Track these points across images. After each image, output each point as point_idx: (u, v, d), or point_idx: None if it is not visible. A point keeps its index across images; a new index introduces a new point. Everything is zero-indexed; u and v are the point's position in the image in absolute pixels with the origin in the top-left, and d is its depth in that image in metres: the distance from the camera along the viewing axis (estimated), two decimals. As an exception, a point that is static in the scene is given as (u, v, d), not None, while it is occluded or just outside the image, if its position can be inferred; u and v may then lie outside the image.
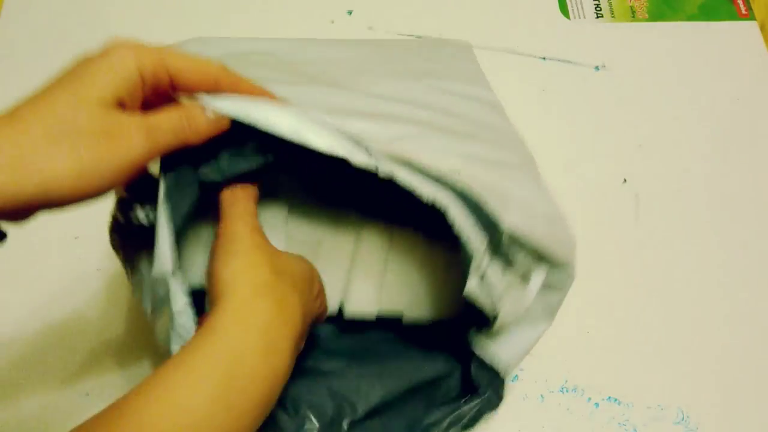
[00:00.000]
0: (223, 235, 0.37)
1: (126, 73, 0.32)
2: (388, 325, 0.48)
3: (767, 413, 0.54)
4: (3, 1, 0.72)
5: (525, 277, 0.42)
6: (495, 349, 0.44)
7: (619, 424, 0.53)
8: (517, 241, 0.40)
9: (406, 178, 0.37)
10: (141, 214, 0.39)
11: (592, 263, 0.60)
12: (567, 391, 0.55)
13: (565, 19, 0.74)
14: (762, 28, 0.74)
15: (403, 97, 0.46)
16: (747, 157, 0.66)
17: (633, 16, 0.75)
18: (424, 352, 0.48)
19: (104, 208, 0.61)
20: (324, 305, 0.42)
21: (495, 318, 0.41)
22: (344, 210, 0.48)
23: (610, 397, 0.54)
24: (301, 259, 0.41)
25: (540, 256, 0.41)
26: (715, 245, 0.62)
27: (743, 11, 0.75)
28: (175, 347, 0.36)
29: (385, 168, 0.37)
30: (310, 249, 0.46)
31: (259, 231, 0.38)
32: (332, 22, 0.73)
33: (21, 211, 0.31)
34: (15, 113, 0.30)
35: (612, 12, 0.75)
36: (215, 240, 0.37)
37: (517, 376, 0.55)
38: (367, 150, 0.37)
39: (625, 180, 0.65)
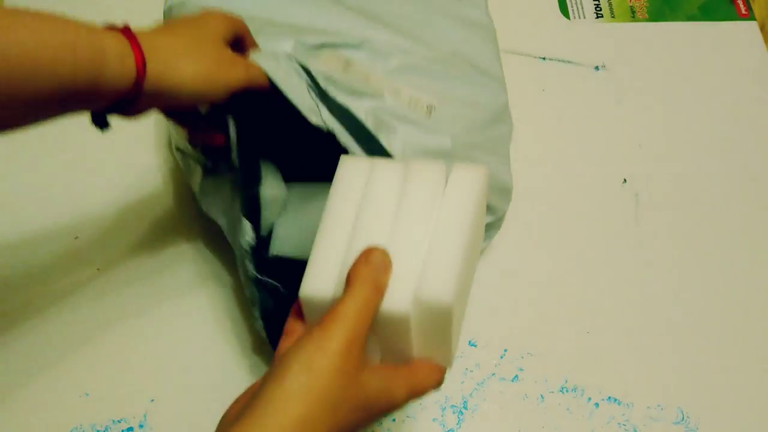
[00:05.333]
0: (325, 323, 0.34)
1: (228, 24, 0.46)
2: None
3: (767, 413, 0.54)
4: (2, 1, 0.73)
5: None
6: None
7: (619, 424, 0.53)
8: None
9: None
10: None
11: (592, 263, 0.60)
12: (567, 391, 0.55)
13: (565, 19, 0.74)
14: (762, 28, 0.74)
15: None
16: (747, 156, 0.66)
17: (633, 16, 0.75)
18: None
19: (104, 208, 0.61)
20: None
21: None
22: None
23: (610, 397, 0.54)
24: (390, 383, 0.36)
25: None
26: (715, 245, 0.62)
27: (743, 11, 0.75)
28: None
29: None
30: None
31: (355, 352, 0.34)
32: (332, 22, 0.73)
33: (152, 101, 0.41)
34: (169, 29, 0.43)
35: (612, 12, 0.75)
36: (324, 317, 0.34)
37: (516, 376, 0.55)
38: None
39: (625, 180, 0.65)
